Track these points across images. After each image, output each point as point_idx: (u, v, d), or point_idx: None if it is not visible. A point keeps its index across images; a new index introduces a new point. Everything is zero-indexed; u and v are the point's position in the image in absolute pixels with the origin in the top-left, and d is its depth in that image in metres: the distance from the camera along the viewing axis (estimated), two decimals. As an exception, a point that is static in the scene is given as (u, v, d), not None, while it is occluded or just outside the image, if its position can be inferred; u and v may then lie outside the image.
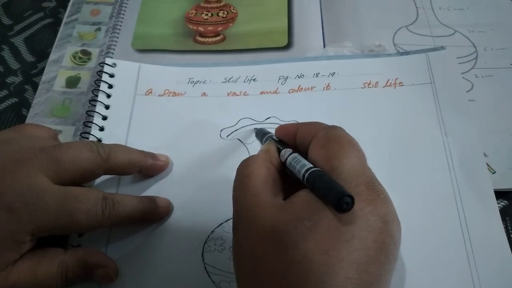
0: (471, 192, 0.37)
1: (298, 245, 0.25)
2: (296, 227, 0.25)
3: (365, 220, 0.26)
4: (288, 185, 0.30)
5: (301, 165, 0.28)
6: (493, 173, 0.39)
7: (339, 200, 0.24)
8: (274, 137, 0.34)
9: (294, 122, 0.34)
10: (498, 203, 0.38)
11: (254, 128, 0.41)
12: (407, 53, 0.46)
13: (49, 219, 0.31)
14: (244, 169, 0.30)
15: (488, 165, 0.39)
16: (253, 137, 0.41)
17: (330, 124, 0.31)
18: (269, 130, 0.41)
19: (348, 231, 0.25)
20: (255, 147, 0.40)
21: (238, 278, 0.28)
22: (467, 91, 0.45)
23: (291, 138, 0.32)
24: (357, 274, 0.24)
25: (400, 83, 0.44)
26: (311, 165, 0.28)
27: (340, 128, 0.30)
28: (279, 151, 0.32)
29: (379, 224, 0.26)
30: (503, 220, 0.37)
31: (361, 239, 0.25)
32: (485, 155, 0.40)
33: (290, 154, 0.30)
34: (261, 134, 0.37)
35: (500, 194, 0.39)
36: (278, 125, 0.34)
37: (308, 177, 0.27)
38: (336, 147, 0.28)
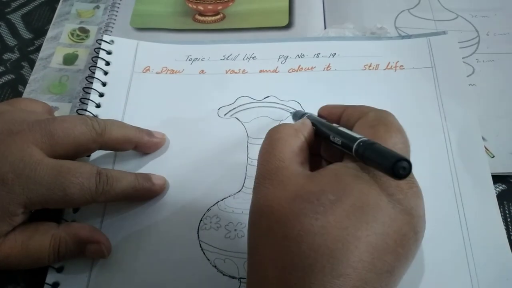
0: (468, 176, 0.37)
1: (317, 217, 0.25)
2: (319, 199, 0.25)
3: (391, 208, 0.25)
4: (315, 165, 0.30)
5: (349, 135, 0.27)
6: (492, 157, 0.39)
7: (395, 163, 0.23)
8: (314, 116, 0.34)
9: (339, 103, 0.33)
10: (496, 187, 0.38)
11: (291, 112, 0.40)
12: (408, 36, 0.45)
13: (41, 192, 0.31)
14: (274, 134, 0.29)
15: (487, 149, 0.39)
16: (251, 115, 0.40)
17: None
18: (267, 109, 0.41)
19: (371, 213, 0.25)
20: (253, 125, 0.40)
21: (250, 238, 0.27)
22: (468, 76, 0.44)
23: (335, 119, 0.32)
24: (370, 258, 0.24)
25: (401, 66, 0.43)
26: (362, 136, 0.27)
27: (391, 113, 0.30)
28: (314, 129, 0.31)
29: (405, 216, 0.25)
30: (501, 204, 0.37)
31: (382, 225, 0.25)
32: (484, 139, 0.39)
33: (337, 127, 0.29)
34: (299, 115, 0.36)
35: (499, 178, 0.38)
36: (324, 105, 0.34)
37: (359, 146, 0.26)
38: (384, 129, 0.28)
